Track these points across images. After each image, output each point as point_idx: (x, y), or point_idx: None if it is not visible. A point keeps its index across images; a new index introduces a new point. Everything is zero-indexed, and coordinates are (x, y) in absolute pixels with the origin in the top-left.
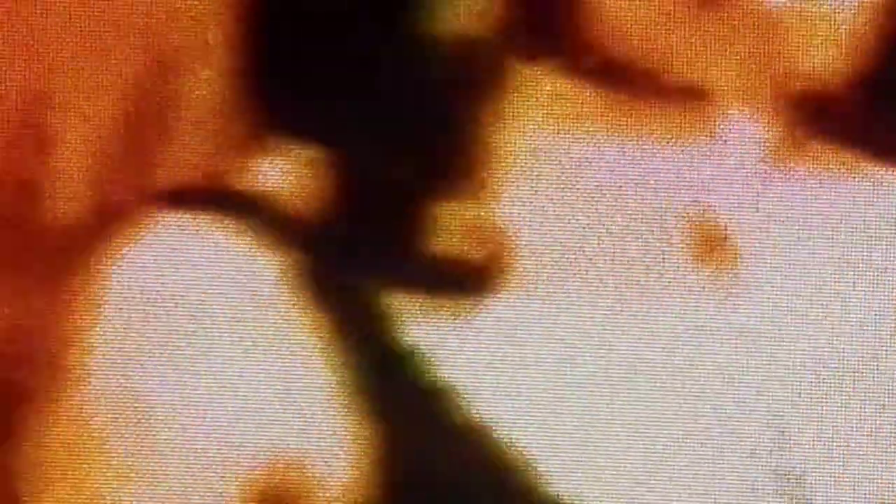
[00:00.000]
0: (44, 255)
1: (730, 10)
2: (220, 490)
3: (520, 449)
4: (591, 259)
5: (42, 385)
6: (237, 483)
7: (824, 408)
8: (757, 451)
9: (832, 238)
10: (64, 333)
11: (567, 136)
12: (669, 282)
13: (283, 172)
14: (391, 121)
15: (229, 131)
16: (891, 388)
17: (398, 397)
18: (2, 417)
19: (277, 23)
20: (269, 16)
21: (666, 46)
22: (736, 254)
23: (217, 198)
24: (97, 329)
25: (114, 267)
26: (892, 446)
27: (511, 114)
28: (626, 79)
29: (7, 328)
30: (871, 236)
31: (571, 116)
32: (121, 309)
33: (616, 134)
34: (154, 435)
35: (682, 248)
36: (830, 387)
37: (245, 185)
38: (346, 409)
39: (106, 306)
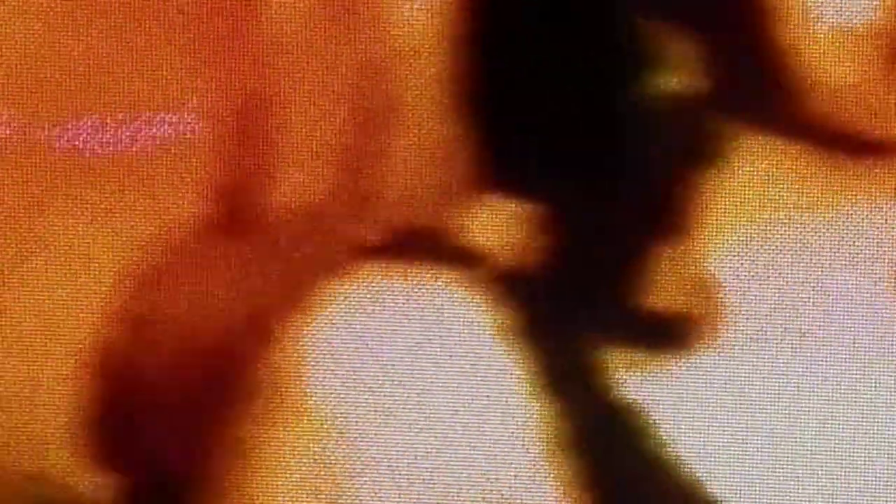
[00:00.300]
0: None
1: None
2: None
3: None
4: (801, 314)
5: (256, 410)
6: None
7: None
8: None
9: None
10: (282, 364)
11: (781, 198)
12: (882, 335)
13: (500, 227)
14: (610, 179)
15: (447, 183)
16: None
17: (612, 450)
18: (208, 431)
19: (501, 83)
20: (492, 76)
21: (871, 105)
22: None
23: (436, 249)
24: (314, 364)
25: (332, 308)
26: None
27: (729, 176)
28: (839, 140)
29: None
30: None
31: (788, 180)
32: (337, 347)
33: (829, 194)
34: (362, 478)
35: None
36: None
37: (462, 238)
38: (559, 461)
39: (324, 343)
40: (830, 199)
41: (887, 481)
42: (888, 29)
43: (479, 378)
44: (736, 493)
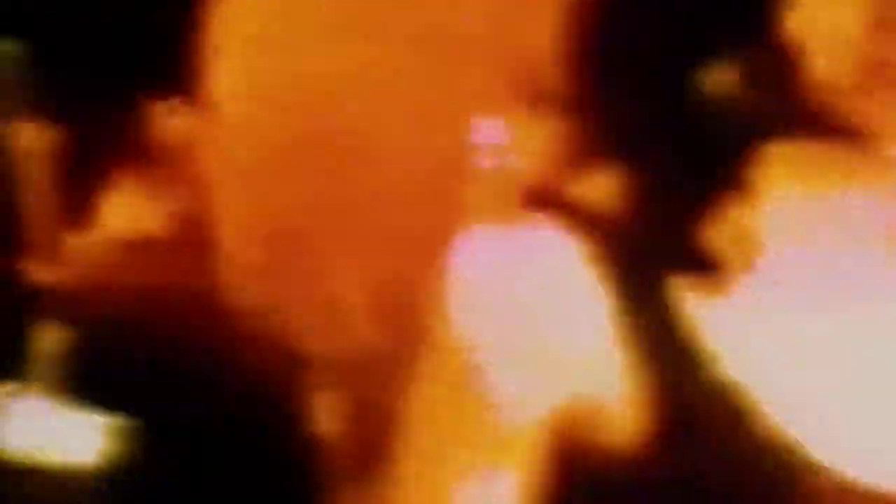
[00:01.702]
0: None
1: None
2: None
3: (764, 401)
4: (822, 272)
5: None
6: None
7: None
8: None
9: None
10: (435, 307)
11: (811, 185)
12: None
13: (599, 187)
14: (687, 153)
15: (570, 157)
16: None
17: (672, 356)
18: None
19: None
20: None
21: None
22: None
23: (561, 204)
24: (457, 305)
25: (476, 248)
26: None
27: (771, 161)
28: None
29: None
30: None
31: (813, 174)
32: (476, 284)
33: (847, 180)
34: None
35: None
36: None
37: (576, 196)
38: (634, 365)
39: (467, 283)
40: (845, 184)
41: None
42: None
43: (581, 302)
44: (767, 389)
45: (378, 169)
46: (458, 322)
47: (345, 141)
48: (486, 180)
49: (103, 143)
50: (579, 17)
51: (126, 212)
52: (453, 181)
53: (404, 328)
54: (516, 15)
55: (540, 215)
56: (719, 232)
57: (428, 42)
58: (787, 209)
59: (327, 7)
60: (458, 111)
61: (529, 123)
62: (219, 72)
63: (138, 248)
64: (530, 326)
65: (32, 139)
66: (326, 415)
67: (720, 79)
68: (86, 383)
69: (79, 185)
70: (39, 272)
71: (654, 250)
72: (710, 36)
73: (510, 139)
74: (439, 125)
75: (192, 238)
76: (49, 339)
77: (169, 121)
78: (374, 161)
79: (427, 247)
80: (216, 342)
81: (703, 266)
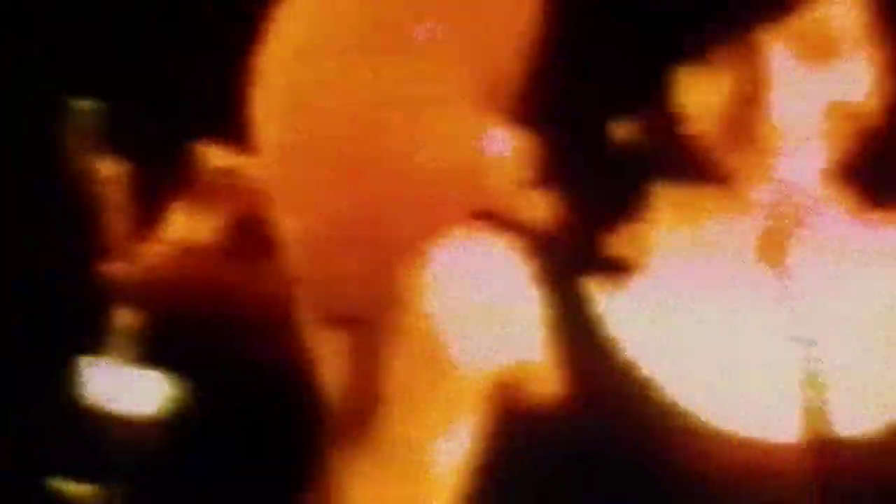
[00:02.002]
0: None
1: None
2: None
3: (656, 373)
4: (701, 268)
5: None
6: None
7: None
8: None
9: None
10: (404, 300)
11: (691, 214)
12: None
13: (537, 207)
14: (601, 182)
15: (518, 183)
16: None
17: (584, 336)
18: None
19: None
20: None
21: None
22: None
23: (508, 223)
24: (424, 299)
25: (442, 255)
26: None
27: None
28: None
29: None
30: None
31: (693, 206)
32: (441, 286)
33: (718, 212)
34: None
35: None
36: None
37: (521, 215)
38: (554, 344)
39: (432, 284)
40: (716, 215)
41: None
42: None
43: (520, 292)
44: (663, 371)
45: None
46: (429, 305)
47: (380, 149)
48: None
49: (166, 173)
50: (532, 59)
51: (183, 226)
52: (463, 190)
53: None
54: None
55: (493, 228)
56: (624, 244)
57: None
58: (674, 231)
59: (358, 26)
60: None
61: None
62: (260, 95)
63: (192, 252)
64: (484, 309)
65: (111, 170)
66: (332, 378)
67: (630, 131)
68: (151, 353)
69: (148, 206)
70: (117, 270)
71: (574, 256)
72: (625, 100)
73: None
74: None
75: (235, 244)
76: (123, 320)
77: (220, 153)
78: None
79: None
80: (251, 322)
81: (610, 268)
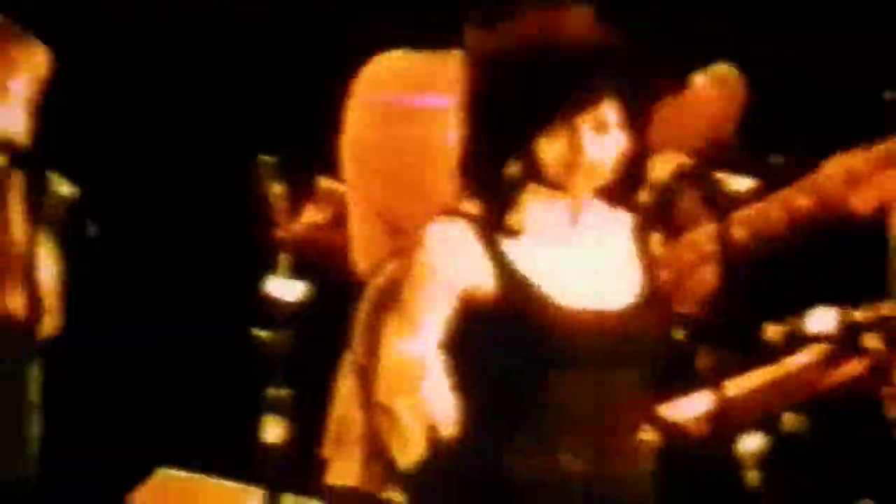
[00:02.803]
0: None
1: None
2: None
3: (541, 283)
4: (553, 223)
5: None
6: None
7: None
8: None
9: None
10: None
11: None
12: None
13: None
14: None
15: (460, 188)
16: None
17: (505, 269)
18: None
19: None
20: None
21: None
22: None
23: (463, 214)
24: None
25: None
26: None
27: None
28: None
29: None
30: None
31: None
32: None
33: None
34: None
35: None
36: None
37: (469, 209)
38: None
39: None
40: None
41: None
42: None
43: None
44: None
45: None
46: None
47: (403, 174)
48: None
49: (306, 189)
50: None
51: (313, 214)
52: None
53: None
54: None
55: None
56: (514, 219)
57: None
58: (537, 211)
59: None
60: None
61: None
62: (342, 141)
63: (323, 228)
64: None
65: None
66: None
67: (514, 170)
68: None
69: (295, 204)
70: (276, 235)
71: (492, 228)
72: (510, 154)
73: None
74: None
75: (338, 226)
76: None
77: (326, 177)
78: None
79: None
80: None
81: (510, 232)
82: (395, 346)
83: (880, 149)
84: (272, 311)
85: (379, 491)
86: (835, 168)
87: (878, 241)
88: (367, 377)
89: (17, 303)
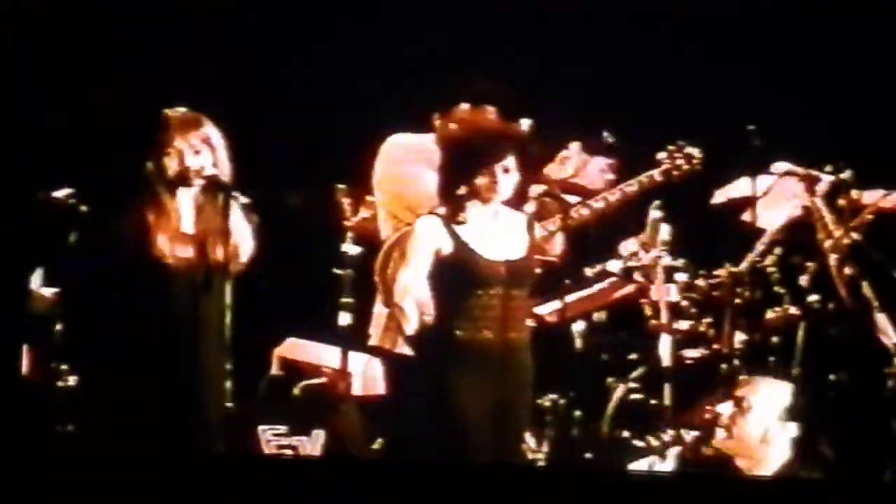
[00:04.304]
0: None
1: None
2: None
3: (482, 253)
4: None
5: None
6: None
7: None
8: None
9: None
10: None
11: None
12: None
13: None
14: None
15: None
16: None
17: (456, 240)
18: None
19: None
20: None
21: None
22: None
23: (437, 214)
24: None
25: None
26: None
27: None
28: None
29: None
30: None
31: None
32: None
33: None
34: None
35: None
36: None
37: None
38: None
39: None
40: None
41: None
42: None
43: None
44: None
45: None
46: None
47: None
48: None
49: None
50: None
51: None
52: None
53: None
54: None
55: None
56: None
57: None
58: (476, 209)
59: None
60: None
61: None
62: (373, 179)
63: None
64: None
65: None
66: None
67: (463, 193)
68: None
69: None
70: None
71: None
72: (460, 182)
73: None
74: None
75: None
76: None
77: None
78: None
79: None
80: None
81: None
82: (400, 275)
83: None
84: (346, 259)
85: (395, 347)
86: None
87: None
88: (388, 290)
89: (217, 253)
